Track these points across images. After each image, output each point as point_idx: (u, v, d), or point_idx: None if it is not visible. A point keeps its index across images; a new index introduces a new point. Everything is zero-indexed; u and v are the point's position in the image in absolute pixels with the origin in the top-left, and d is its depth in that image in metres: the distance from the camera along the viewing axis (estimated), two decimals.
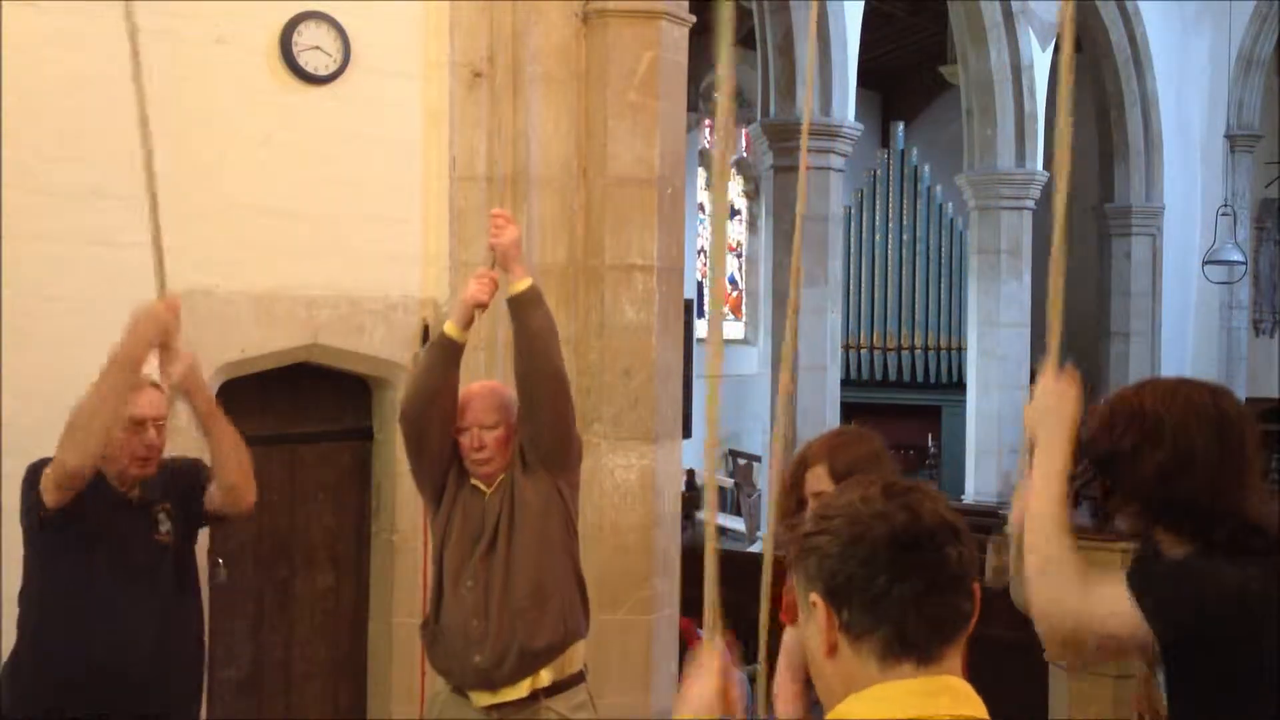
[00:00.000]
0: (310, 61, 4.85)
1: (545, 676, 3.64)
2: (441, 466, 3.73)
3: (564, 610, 3.68)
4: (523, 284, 3.60)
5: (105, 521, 3.41)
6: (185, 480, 3.58)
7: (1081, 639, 2.26)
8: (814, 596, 1.48)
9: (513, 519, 3.64)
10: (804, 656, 1.66)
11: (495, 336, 4.97)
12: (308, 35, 4.84)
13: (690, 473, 10.70)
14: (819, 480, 3.00)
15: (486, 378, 4.42)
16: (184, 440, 3.82)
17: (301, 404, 5.16)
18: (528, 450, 3.68)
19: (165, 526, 3.50)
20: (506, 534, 3.64)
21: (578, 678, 3.76)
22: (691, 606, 5.99)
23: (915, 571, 1.44)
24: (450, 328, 3.65)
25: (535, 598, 3.62)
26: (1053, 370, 2.31)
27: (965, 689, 1.47)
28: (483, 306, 3.63)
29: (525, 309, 3.59)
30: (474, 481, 3.70)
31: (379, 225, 5.05)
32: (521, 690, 3.62)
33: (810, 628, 1.50)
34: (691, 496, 10.24)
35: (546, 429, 3.64)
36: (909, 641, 1.44)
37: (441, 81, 5.11)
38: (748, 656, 4.08)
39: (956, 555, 1.46)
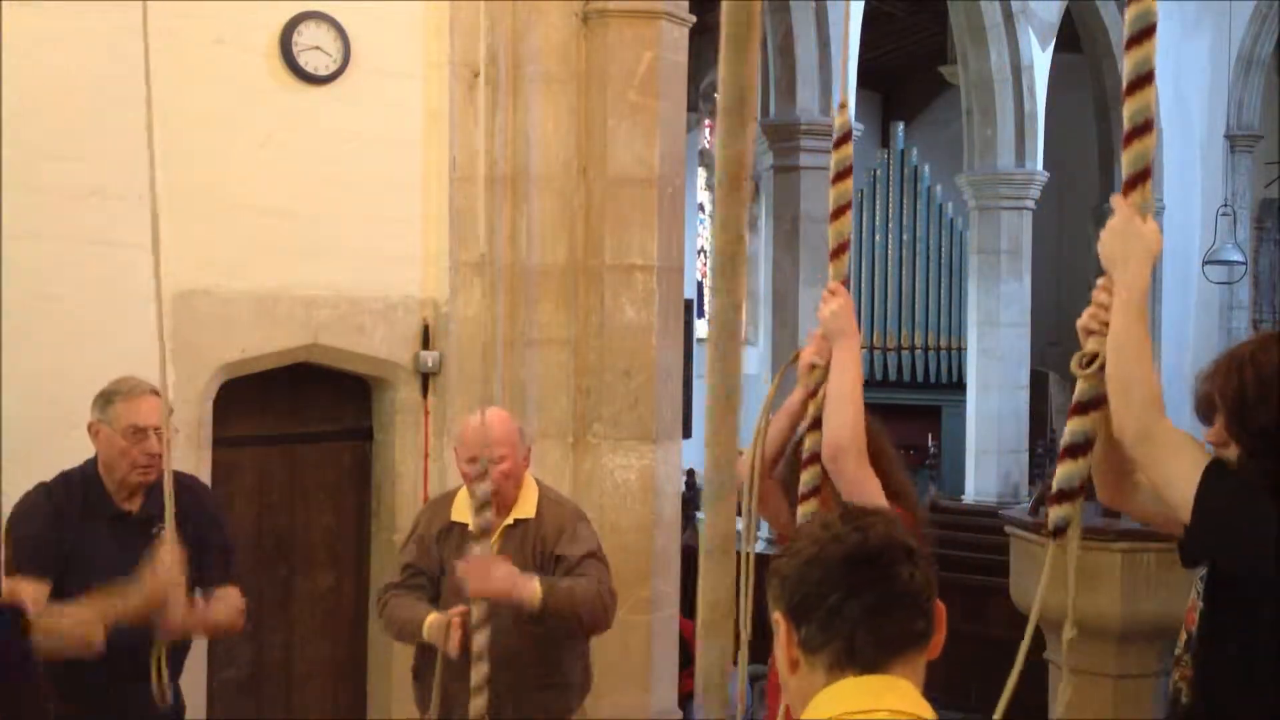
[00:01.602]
0: (310, 61, 4.85)
1: None
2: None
3: (577, 684, 3.77)
4: (535, 599, 3.52)
5: (99, 538, 3.35)
6: (200, 535, 3.47)
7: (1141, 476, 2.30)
8: (777, 616, 1.57)
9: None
10: None
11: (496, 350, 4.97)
12: (308, 35, 4.84)
13: (690, 473, 10.69)
14: (815, 478, 2.99)
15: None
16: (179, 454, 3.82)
17: (301, 404, 5.16)
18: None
19: None
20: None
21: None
22: (692, 606, 5.99)
23: (865, 588, 1.52)
24: (425, 633, 3.61)
25: (546, 673, 3.67)
26: (1132, 206, 2.27)
27: (914, 693, 1.53)
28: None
29: (551, 614, 3.56)
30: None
31: (379, 225, 5.05)
32: None
33: (777, 647, 1.58)
34: (691, 497, 10.23)
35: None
36: (855, 655, 1.51)
37: (441, 81, 5.11)
38: (751, 656, 4.07)
39: (908, 574, 1.53)
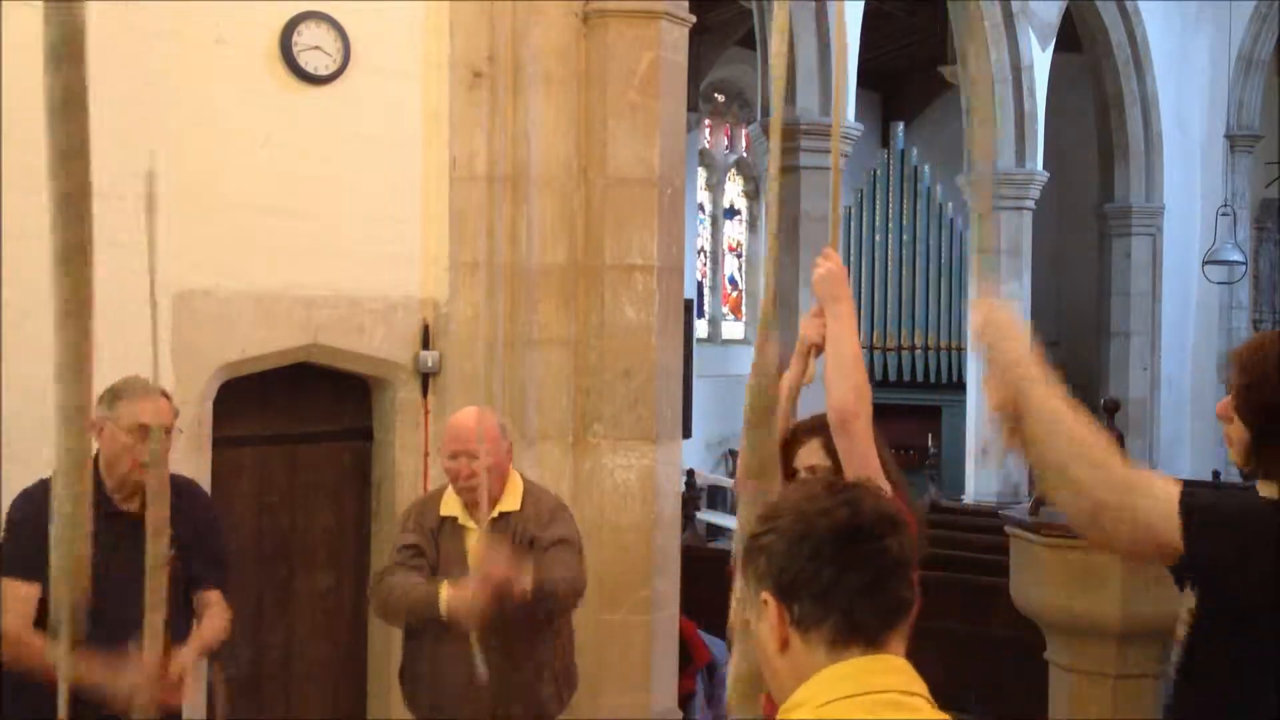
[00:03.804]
0: (310, 61, 4.85)
1: None
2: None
3: (561, 679, 3.77)
4: (526, 587, 3.48)
5: (97, 534, 3.37)
6: (194, 537, 3.45)
7: (1111, 526, 2.26)
8: (765, 594, 1.54)
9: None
10: None
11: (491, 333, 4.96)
12: (308, 35, 4.85)
13: (690, 473, 10.69)
14: (813, 454, 2.96)
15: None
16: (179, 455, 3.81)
17: (301, 404, 5.16)
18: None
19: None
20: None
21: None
22: (691, 606, 6.00)
23: (860, 562, 1.51)
24: (443, 607, 3.53)
25: (535, 670, 3.68)
26: (989, 295, 2.33)
27: (911, 671, 1.52)
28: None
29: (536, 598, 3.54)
30: (463, 523, 3.66)
31: (379, 225, 5.05)
32: None
33: (762, 626, 1.55)
34: (692, 497, 10.23)
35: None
36: (857, 627, 1.50)
37: (441, 81, 5.11)
38: None
39: (896, 545, 1.53)
